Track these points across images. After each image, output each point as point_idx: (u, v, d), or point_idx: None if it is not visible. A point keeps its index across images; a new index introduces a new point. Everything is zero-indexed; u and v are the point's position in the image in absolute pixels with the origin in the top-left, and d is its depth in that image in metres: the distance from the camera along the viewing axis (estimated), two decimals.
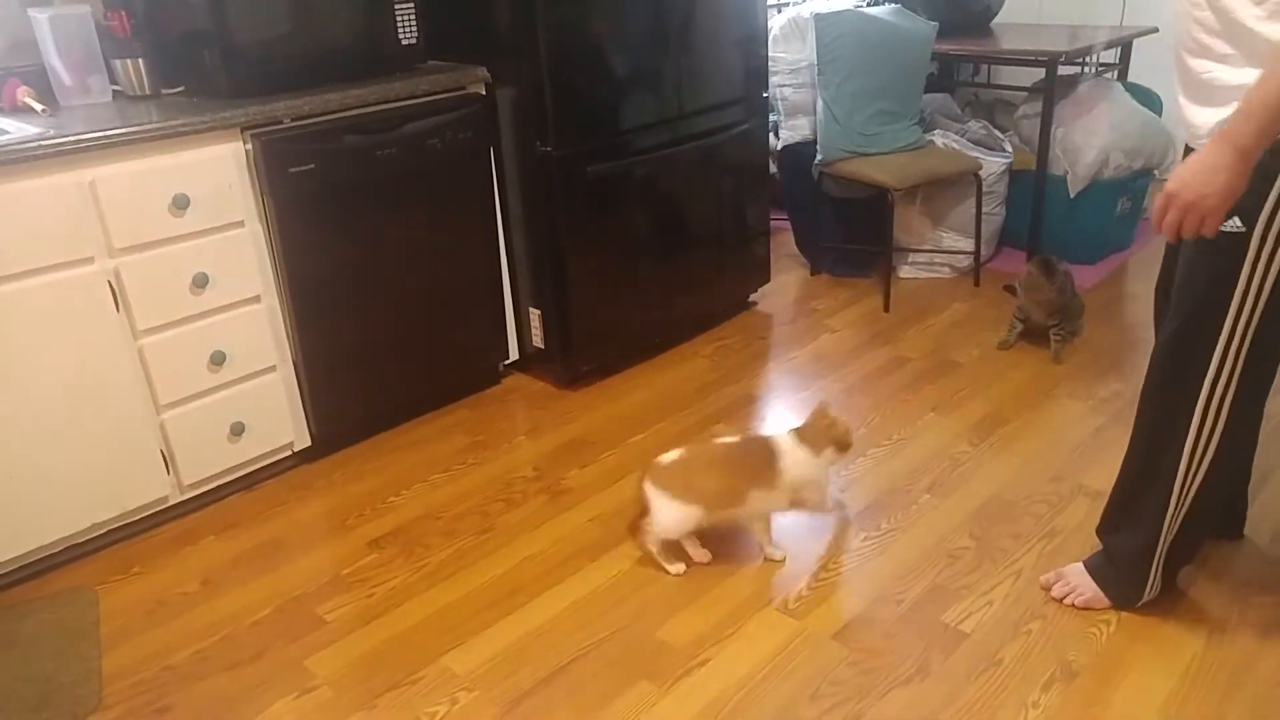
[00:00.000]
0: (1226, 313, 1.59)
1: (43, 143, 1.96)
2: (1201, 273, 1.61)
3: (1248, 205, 1.49)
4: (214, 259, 2.27)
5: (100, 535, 2.31)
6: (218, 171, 2.23)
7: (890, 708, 1.75)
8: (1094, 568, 1.97)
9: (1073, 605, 1.96)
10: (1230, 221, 1.52)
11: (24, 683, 1.91)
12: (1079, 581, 1.97)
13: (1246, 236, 1.53)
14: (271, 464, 2.57)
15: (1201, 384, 1.66)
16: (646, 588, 2.10)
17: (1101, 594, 1.94)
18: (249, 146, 2.26)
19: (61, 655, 1.99)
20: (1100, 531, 1.98)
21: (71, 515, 2.22)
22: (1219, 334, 1.61)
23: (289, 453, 2.59)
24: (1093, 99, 3.58)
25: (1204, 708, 1.71)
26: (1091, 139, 3.52)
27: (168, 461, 2.33)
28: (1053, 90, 3.50)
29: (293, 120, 2.32)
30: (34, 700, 1.87)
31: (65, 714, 1.84)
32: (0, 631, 2.05)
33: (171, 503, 2.39)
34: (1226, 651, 1.83)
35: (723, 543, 2.22)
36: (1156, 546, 1.83)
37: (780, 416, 2.79)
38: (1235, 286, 1.57)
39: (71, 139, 2.00)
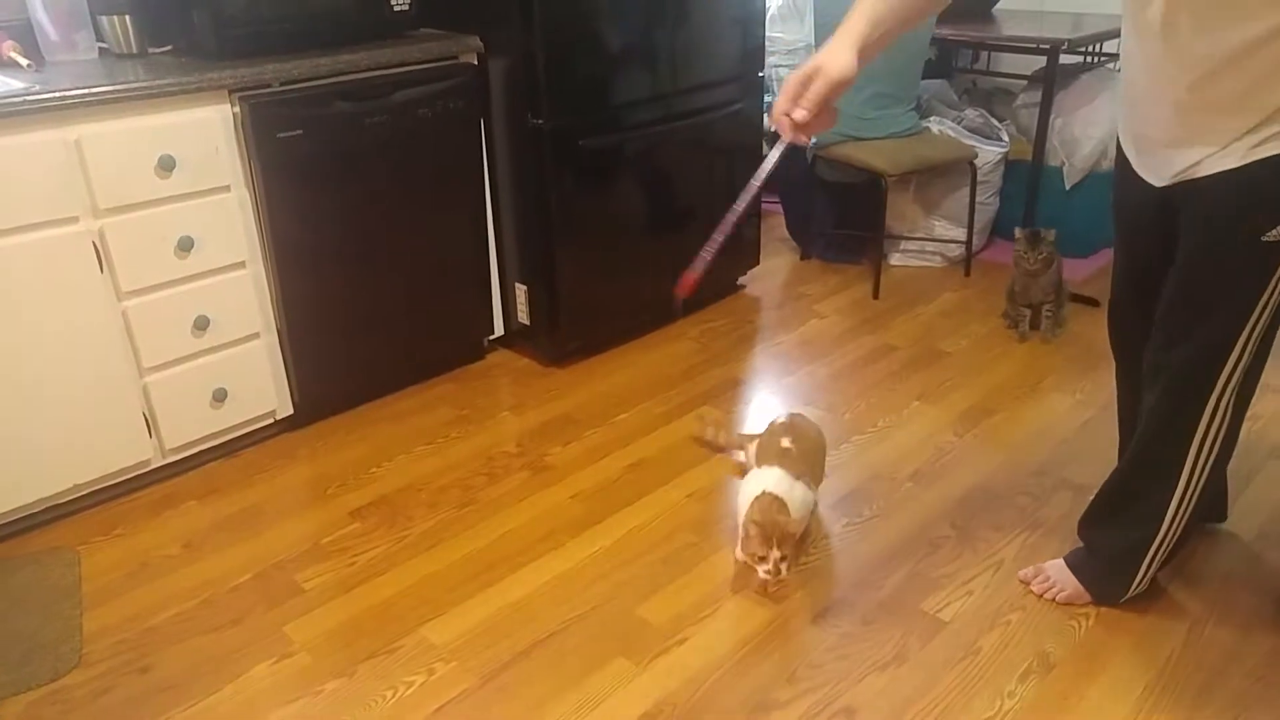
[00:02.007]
0: (1250, 317, 1.59)
1: (28, 98, 1.93)
2: (1232, 282, 1.59)
3: None
4: (200, 223, 2.25)
5: (82, 496, 2.29)
6: (205, 134, 2.20)
7: (867, 693, 1.76)
8: (1075, 564, 1.97)
9: (1053, 601, 1.96)
10: (1274, 230, 1.50)
11: (5, 639, 1.91)
12: (1059, 577, 1.97)
13: None
14: (254, 431, 2.55)
15: (1215, 386, 1.66)
16: (627, 565, 2.10)
17: (1083, 590, 1.94)
18: (237, 109, 2.23)
19: (43, 613, 1.98)
20: (1083, 527, 1.98)
21: (53, 475, 2.20)
22: (1239, 338, 1.61)
23: (271, 421, 2.57)
24: (1094, 90, 3.57)
25: (1180, 703, 1.72)
26: (1090, 130, 3.51)
27: (150, 425, 2.31)
28: (1053, 79, 3.48)
29: (281, 84, 2.28)
30: (15, 657, 1.87)
31: (47, 671, 1.84)
32: None
33: (153, 466, 2.37)
34: (1205, 647, 1.84)
35: (706, 524, 2.22)
36: (1151, 544, 1.82)
37: (765, 402, 2.79)
38: (1264, 293, 1.56)
39: (57, 95, 1.96)
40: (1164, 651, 1.83)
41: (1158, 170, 1.63)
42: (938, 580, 2.04)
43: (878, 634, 1.90)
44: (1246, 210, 1.53)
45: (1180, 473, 1.74)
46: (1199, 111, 1.51)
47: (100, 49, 2.36)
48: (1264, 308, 1.59)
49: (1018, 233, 3.00)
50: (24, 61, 2.19)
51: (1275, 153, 1.47)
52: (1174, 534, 1.80)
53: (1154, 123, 1.59)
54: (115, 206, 2.11)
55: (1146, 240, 1.75)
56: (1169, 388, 1.72)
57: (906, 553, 2.12)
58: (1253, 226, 1.52)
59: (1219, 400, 1.67)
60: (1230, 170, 1.52)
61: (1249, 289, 1.58)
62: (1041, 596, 1.97)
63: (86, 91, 2.00)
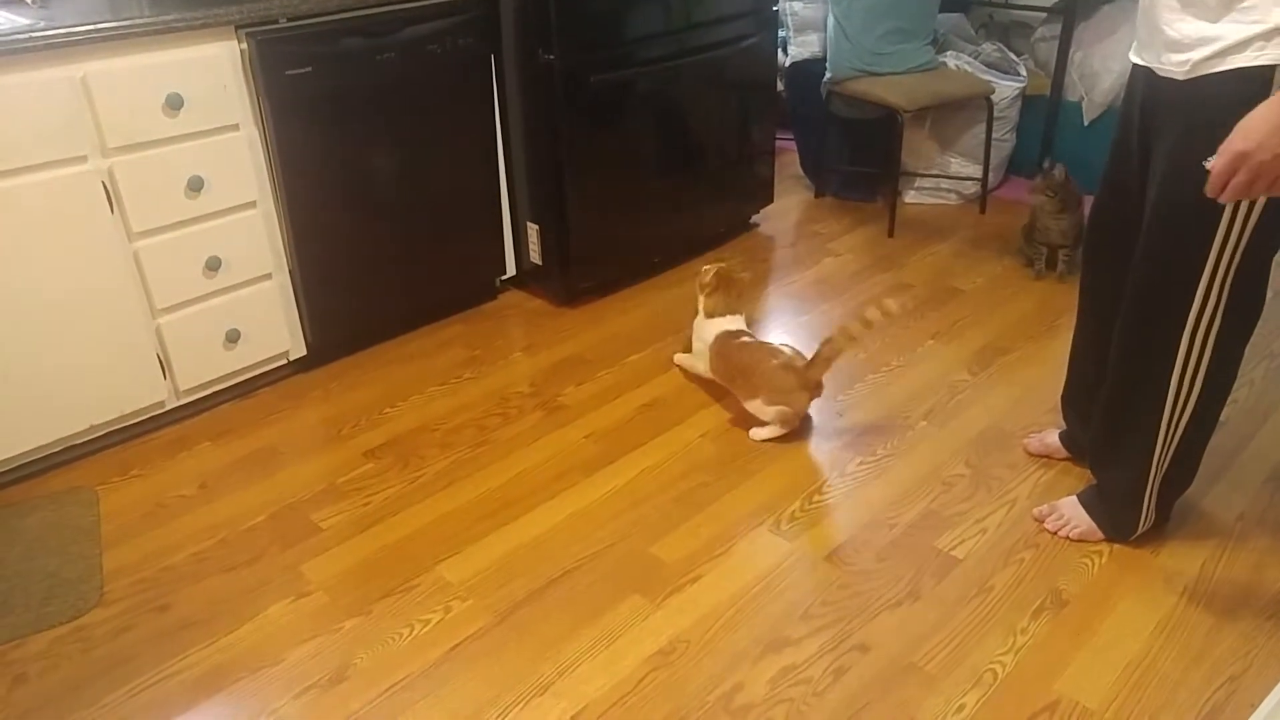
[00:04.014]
0: (1210, 248, 1.57)
1: (33, 34, 1.90)
2: (1186, 209, 1.57)
3: None
4: (209, 162, 2.23)
5: (99, 437, 2.31)
6: (212, 71, 2.17)
7: (880, 629, 1.77)
8: (1087, 501, 1.97)
9: (1067, 538, 1.97)
10: (1214, 158, 1.48)
11: (27, 578, 1.94)
12: (1072, 514, 1.98)
13: None
14: (267, 372, 2.56)
15: (1185, 321, 1.64)
16: (641, 504, 2.11)
17: (1095, 527, 1.95)
18: (244, 46, 2.20)
19: (63, 552, 2.01)
20: (1092, 466, 1.98)
21: (70, 416, 2.21)
22: (1202, 269, 1.59)
23: (284, 361, 2.57)
24: (1115, 21, 3.48)
25: (1190, 641, 1.73)
26: (1111, 63, 3.43)
27: (164, 366, 2.32)
28: (1074, 11, 3.40)
29: (289, 20, 2.24)
30: (38, 595, 1.90)
31: (68, 608, 1.87)
32: (3, 528, 2.06)
33: (168, 408, 2.39)
34: (1217, 586, 1.84)
35: (719, 463, 2.23)
36: (1146, 483, 1.83)
37: (779, 341, 2.77)
38: (1220, 222, 1.54)
39: (62, 32, 1.93)
40: (1176, 589, 1.84)
41: (1151, 46, 1.59)
42: (951, 518, 2.04)
43: (891, 571, 1.91)
44: (1190, 130, 1.52)
45: (1161, 408, 1.73)
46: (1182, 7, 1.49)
47: None
48: (1226, 241, 1.55)
49: (1041, 181, 2.95)
50: None
51: (1218, 70, 1.45)
52: (1163, 468, 1.80)
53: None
54: (124, 145, 2.09)
55: (1130, 149, 1.72)
56: (1136, 311, 1.71)
57: (920, 491, 2.13)
58: (1195, 148, 1.49)
59: (1193, 336, 1.65)
60: (1181, 80, 1.51)
61: (1204, 216, 1.55)
62: (1055, 534, 1.98)
63: (92, 28, 1.96)
